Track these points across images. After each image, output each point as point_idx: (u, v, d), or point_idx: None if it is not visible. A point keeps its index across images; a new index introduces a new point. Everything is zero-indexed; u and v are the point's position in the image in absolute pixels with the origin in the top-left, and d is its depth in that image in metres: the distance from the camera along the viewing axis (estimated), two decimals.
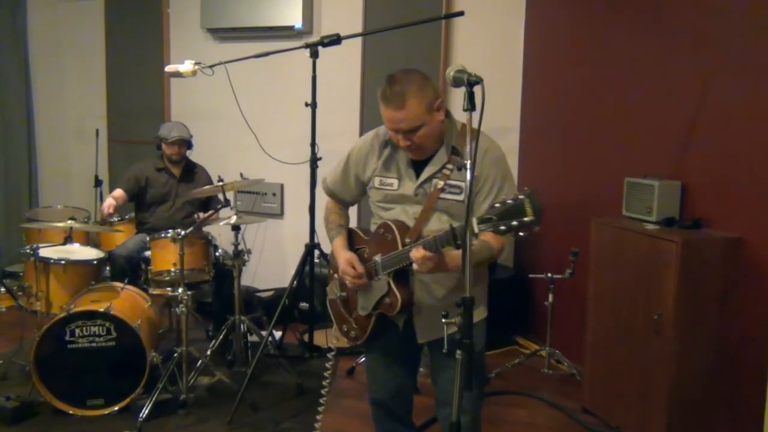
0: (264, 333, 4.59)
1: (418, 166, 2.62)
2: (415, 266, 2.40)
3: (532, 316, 5.36)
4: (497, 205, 2.02)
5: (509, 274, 5.44)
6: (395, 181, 2.65)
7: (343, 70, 5.81)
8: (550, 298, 4.66)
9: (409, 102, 2.41)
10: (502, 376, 4.69)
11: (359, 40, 5.71)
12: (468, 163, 2.05)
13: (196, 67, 4.69)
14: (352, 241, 2.86)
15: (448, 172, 2.54)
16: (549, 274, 4.65)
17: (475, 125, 2.13)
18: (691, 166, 3.73)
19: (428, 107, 2.46)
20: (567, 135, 4.97)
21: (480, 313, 2.71)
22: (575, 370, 4.65)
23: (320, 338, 5.02)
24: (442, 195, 2.55)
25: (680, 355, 3.36)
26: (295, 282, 4.72)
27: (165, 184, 5.24)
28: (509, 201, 1.99)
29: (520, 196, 1.98)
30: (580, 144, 4.80)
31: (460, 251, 2.35)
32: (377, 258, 2.64)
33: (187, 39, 6.50)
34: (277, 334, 5.05)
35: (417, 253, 2.36)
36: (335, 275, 2.90)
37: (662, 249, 3.39)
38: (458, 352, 1.96)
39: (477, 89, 2.12)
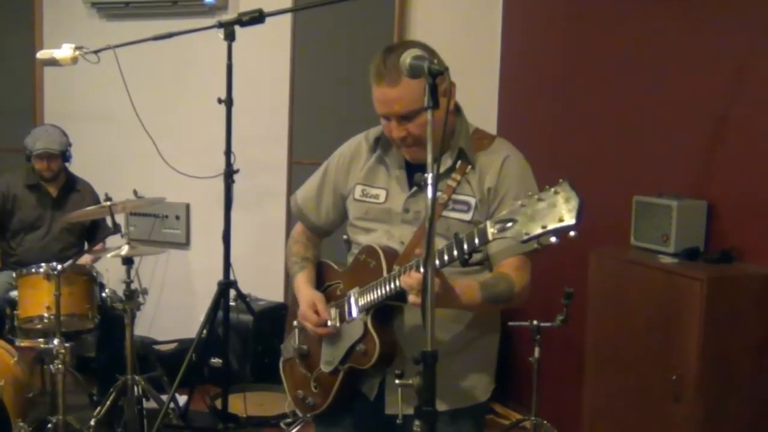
0: (164, 397, 4.62)
1: (413, 174, 2.54)
2: (410, 298, 2.23)
3: (512, 376, 5.34)
4: (519, 203, 1.98)
5: None
6: (382, 192, 2.63)
7: (268, 56, 5.87)
8: (537, 352, 4.55)
9: (406, 77, 2.30)
10: None
11: (288, 18, 5.72)
12: (429, 176, 1.97)
13: (77, 52, 4.69)
14: (323, 276, 2.80)
15: (453, 183, 2.50)
16: (535, 322, 4.52)
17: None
18: (719, 182, 3.76)
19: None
20: (558, 141, 4.98)
21: (484, 389, 2.63)
22: None
23: (237, 404, 4.99)
24: (445, 212, 2.50)
25: (706, 426, 3.34)
26: (204, 331, 4.72)
27: (37, 206, 5.23)
28: (537, 197, 1.94)
29: (553, 190, 1.92)
30: (575, 152, 4.80)
31: (470, 279, 2.38)
32: (353, 292, 2.55)
33: (65, 17, 6.45)
34: (182, 398, 5.00)
35: (409, 278, 2.22)
36: (294, 322, 2.80)
37: (682, 289, 3.39)
38: (416, 423, 1.90)
39: (441, 81, 2.07)
